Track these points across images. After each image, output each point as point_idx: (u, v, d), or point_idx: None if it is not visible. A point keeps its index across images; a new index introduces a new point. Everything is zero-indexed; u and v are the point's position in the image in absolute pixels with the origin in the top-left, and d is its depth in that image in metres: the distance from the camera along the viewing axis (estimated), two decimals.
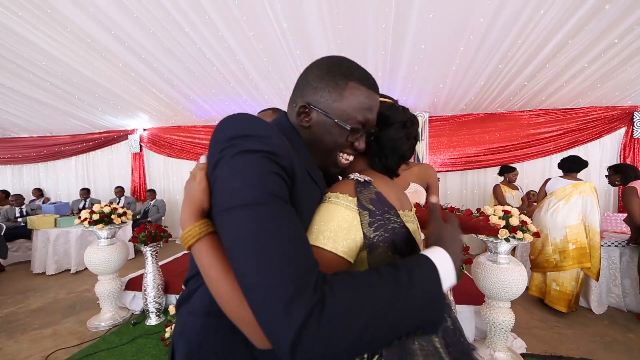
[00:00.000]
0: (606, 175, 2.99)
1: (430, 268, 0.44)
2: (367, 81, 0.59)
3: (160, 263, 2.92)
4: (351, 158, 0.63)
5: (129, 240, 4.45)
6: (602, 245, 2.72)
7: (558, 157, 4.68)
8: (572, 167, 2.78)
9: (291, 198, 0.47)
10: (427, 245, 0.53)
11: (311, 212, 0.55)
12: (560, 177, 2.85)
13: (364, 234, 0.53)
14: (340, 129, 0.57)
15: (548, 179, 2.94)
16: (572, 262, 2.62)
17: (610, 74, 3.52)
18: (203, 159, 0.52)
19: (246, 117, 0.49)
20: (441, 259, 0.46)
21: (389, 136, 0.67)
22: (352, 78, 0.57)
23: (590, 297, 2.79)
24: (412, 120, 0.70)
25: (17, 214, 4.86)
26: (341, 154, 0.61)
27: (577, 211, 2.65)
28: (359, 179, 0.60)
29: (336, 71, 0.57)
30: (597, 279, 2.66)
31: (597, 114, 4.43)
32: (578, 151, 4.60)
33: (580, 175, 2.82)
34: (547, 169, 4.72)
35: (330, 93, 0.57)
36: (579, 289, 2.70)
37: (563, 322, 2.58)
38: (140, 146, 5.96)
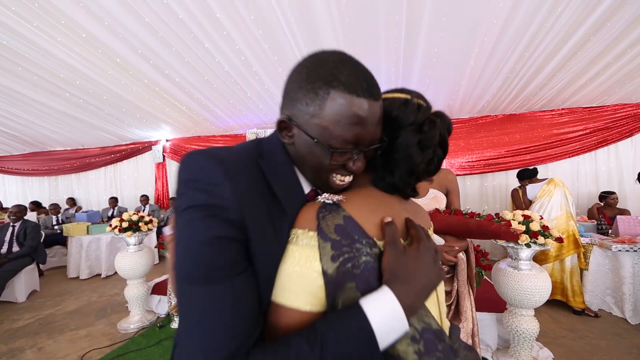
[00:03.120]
0: None
1: (359, 328, 0.38)
2: (358, 86, 0.45)
3: None
4: (347, 179, 0.53)
5: (155, 247, 4.68)
6: (635, 251, 2.58)
7: (586, 158, 4.51)
8: (529, 175, 3.38)
9: (250, 241, 0.43)
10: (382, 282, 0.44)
11: (273, 249, 0.45)
12: (530, 184, 3.28)
13: (323, 272, 0.42)
14: (322, 150, 0.47)
15: (520, 189, 3.42)
16: (568, 250, 2.84)
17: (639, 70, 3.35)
18: (167, 231, 0.52)
19: (199, 158, 0.44)
20: (383, 307, 0.40)
21: (397, 143, 0.52)
22: (335, 84, 0.44)
23: (624, 306, 2.63)
24: (433, 122, 0.53)
25: (54, 222, 5.23)
26: (335, 175, 0.51)
27: (559, 203, 2.93)
28: (327, 200, 0.49)
29: (317, 75, 0.45)
30: (586, 268, 2.86)
31: (626, 112, 4.19)
32: (608, 150, 4.38)
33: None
34: (575, 169, 4.51)
35: (308, 106, 0.46)
36: (578, 283, 2.81)
37: (595, 332, 2.45)
38: (163, 156, 6.26)
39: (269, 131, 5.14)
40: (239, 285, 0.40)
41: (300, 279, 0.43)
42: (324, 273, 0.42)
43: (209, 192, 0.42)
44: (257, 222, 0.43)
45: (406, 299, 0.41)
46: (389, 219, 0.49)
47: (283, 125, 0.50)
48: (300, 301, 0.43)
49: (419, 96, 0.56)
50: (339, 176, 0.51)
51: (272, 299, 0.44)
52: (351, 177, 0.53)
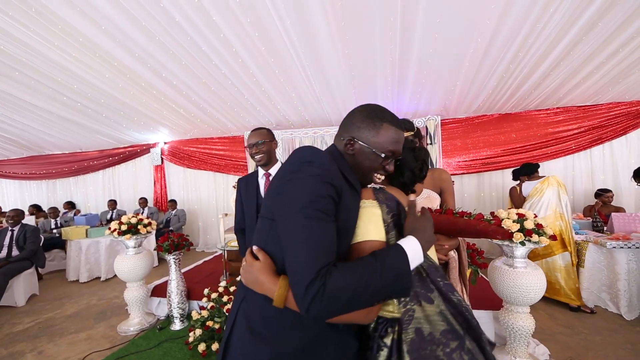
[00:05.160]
0: (638, 184, 3.10)
1: (400, 255, 0.65)
2: (396, 122, 0.82)
3: (182, 270, 3.06)
4: (382, 177, 0.85)
5: (154, 249, 4.68)
6: (629, 247, 2.61)
7: (581, 156, 4.55)
8: (530, 170, 3.33)
9: (339, 203, 0.69)
10: (404, 234, 0.73)
11: (353, 210, 0.75)
12: (527, 181, 3.29)
13: (384, 219, 0.76)
14: (376, 156, 0.79)
15: (517, 187, 3.38)
16: (555, 249, 2.90)
17: (632, 68, 3.39)
18: (255, 247, 0.77)
19: (311, 149, 0.74)
20: (411, 245, 0.68)
21: (403, 157, 0.91)
22: (385, 120, 0.79)
23: (619, 302, 2.66)
24: (420, 148, 0.99)
25: (53, 226, 5.23)
26: (375, 174, 0.83)
27: (549, 203, 2.97)
28: (375, 186, 0.86)
29: (374, 115, 0.80)
30: (576, 265, 2.90)
31: (620, 110, 4.24)
32: (602, 149, 4.42)
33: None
34: (570, 167, 4.55)
35: (370, 131, 0.79)
36: (573, 280, 2.85)
37: (590, 328, 2.48)
38: (162, 159, 6.27)
39: None
40: (332, 226, 0.66)
41: (374, 225, 0.76)
42: (384, 220, 0.77)
43: (322, 168, 0.68)
44: (345, 191, 0.72)
45: (420, 241, 0.70)
46: (413, 198, 0.83)
47: (349, 142, 0.81)
48: (375, 235, 0.75)
49: (415, 135, 1.07)
50: (378, 175, 0.83)
51: (356, 240, 0.74)
52: (384, 176, 0.85)
